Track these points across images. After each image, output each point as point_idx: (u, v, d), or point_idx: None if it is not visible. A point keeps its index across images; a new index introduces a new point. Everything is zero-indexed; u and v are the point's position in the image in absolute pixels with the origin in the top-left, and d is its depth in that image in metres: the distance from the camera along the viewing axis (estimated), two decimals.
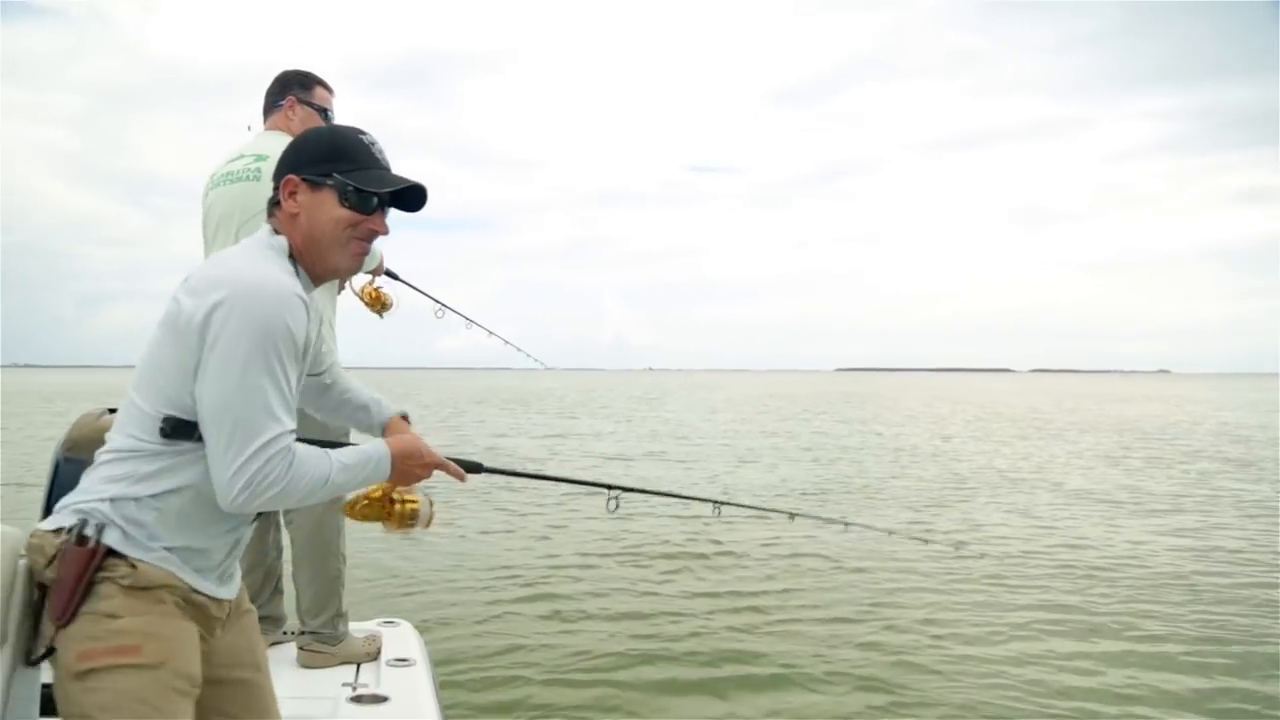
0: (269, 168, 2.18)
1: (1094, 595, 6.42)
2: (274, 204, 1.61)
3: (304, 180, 1.56)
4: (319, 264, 1.60)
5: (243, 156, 2.78)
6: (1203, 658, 5.05)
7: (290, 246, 1.57)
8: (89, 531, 1.42)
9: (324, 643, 2.74)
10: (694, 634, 5.47)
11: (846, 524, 4.81)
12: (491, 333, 4.27)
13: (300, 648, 2.76)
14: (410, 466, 1.64)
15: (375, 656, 2.76)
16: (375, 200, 1.59)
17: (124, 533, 1.43)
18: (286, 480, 1.42)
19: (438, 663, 2.94)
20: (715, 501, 2.96)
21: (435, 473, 1.73)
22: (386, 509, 1.78)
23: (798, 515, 3.75)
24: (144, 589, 1.43)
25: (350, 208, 1.56)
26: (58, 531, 1.44)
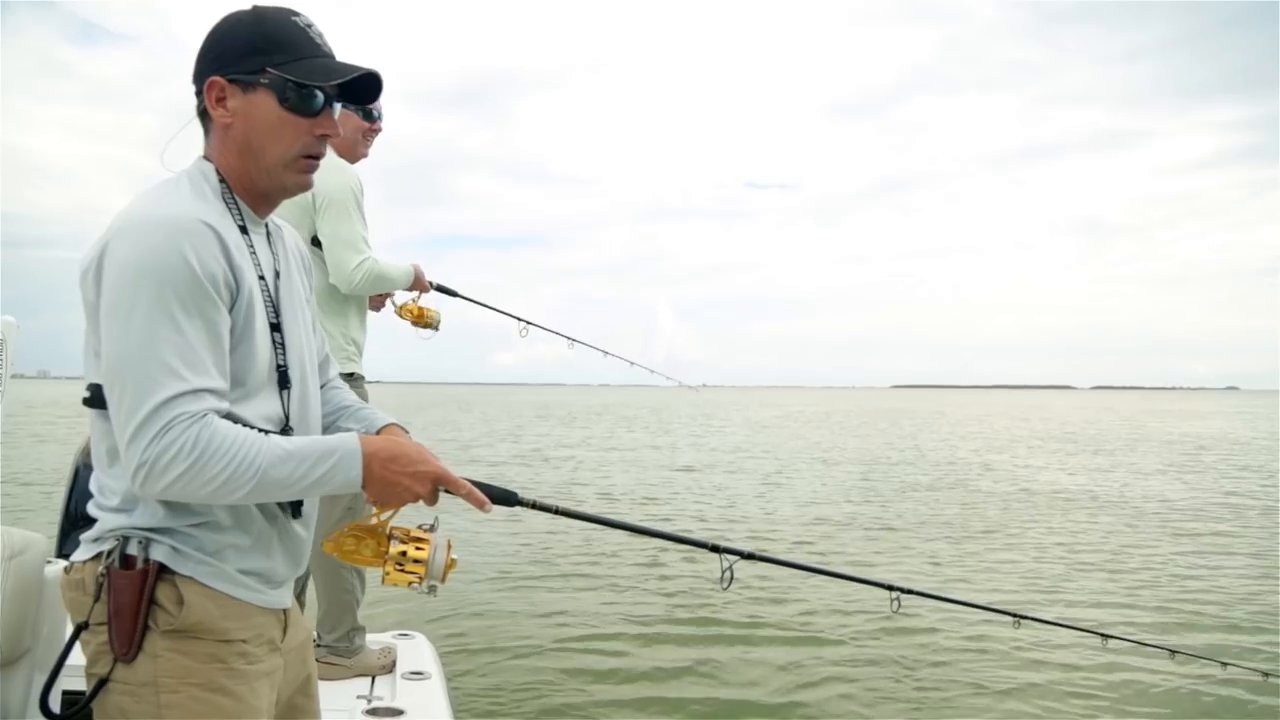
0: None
1: None
2: (204, 115, 1.33)
3: (231, 81, 1.28)
4: (263, 181, 1.33)
5: None
6: None
7: (220, 169, 1.32)
8: (133, 550, 1.23)
9: (339, 655, 2.74)
10: (734, 645, 5.43)
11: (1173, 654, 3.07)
12: (608, 353, 4.09)
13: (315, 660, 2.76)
14: (394, 474, 1.26)
15: (390, 669, 2.75)
16: (321, 97, 1.31)
17: (173, 548, 1.24)
18: (194, 457, 1.13)
19: (453, 676, 2.93)
20: (1015, 615, 2.20)
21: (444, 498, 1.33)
22: (379, 549, 1.33)
23: (1111, 637, 2.67)
24: (192, 636, 1.23)
25: (291, 109, 1.29)
26: (97, 558, 1.25)
